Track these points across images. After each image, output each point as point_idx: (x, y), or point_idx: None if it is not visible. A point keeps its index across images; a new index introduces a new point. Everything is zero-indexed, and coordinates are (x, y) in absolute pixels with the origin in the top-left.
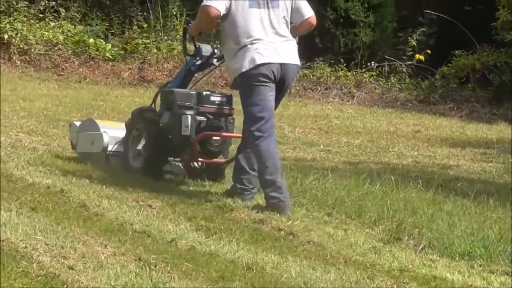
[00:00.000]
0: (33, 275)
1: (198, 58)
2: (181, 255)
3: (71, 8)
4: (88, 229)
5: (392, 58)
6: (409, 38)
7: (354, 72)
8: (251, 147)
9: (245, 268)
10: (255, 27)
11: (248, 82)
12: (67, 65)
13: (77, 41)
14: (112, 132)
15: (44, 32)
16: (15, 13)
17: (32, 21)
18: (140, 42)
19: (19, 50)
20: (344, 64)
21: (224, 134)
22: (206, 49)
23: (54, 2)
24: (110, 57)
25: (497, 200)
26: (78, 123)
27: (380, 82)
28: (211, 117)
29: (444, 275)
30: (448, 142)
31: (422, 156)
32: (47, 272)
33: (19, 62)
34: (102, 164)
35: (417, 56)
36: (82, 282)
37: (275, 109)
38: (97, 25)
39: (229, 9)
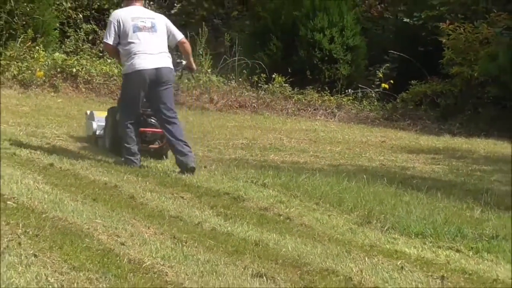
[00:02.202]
0: (94, 249)
1: None
2: (205, 234)
3: None
4: (135, 215)
5: (364, 87)
6: (377, 71)
7: (335, 97)
8: (120, 128)
9: (254, 244)
10: (137, 44)
11: (127, 81)
12: (120, 91)
13: None
14: (101, 121)
15: (103, 67)
16: (81, 53)
17: (94, 58)
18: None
19: (84, 80)
20: (328, 91)
21: (153, 130)
22: None
23: None
24: None
25: (443, 193)
26: (89, 112)
27: (355, 104)
28: (146, 117)
29: (403, 249)
30: (406, 149)
31: (387, 160)
32: (104, 247)
33: (84, 90)
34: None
35: (383, 85)
36: (130, 255)
37: (162, 99)
38: None
39: (118, 39)
